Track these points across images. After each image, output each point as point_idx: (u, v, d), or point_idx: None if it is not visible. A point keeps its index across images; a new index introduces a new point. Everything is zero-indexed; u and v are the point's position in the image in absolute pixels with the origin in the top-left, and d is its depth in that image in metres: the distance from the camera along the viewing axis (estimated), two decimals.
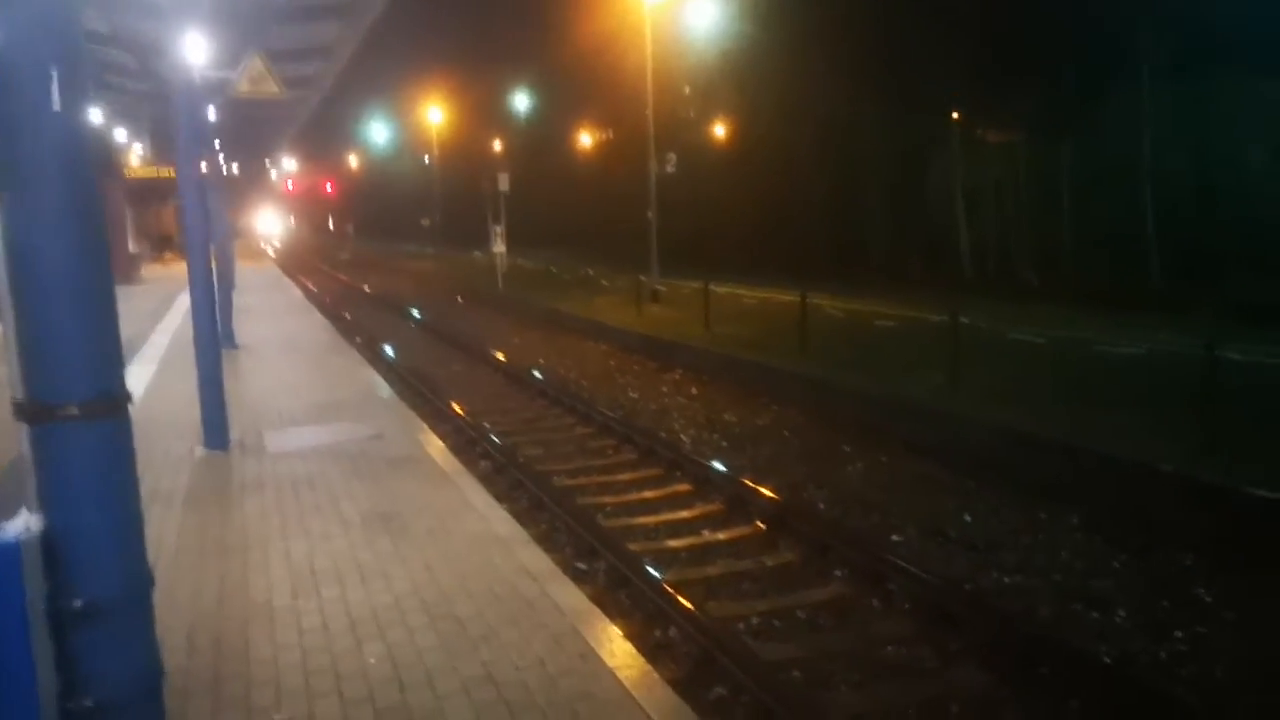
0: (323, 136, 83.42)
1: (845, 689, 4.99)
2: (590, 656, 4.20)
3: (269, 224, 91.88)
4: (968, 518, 7.61)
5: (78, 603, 2.33)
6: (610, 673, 4.05)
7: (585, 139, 53.89)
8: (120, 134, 35.98)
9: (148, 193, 36.77)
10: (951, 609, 5.60)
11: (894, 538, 7.25)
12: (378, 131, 75.63)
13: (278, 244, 73.72)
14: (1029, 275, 25.44)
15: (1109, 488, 7.66)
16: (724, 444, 10.22)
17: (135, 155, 37.14)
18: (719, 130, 39.03)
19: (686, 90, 37.95)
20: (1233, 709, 4.69)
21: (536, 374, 14.26)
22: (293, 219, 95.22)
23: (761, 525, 7.40)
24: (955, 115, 27.51)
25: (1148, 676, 4.95)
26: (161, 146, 36.15)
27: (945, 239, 28.10)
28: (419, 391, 13.13)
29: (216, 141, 17.31)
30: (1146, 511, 7.18)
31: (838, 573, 6.49)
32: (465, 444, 10.17)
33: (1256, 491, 6.71)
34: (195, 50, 8.75)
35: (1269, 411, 8.88)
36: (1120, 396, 9.80)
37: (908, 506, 7.86)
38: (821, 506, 8.03)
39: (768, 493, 7.79)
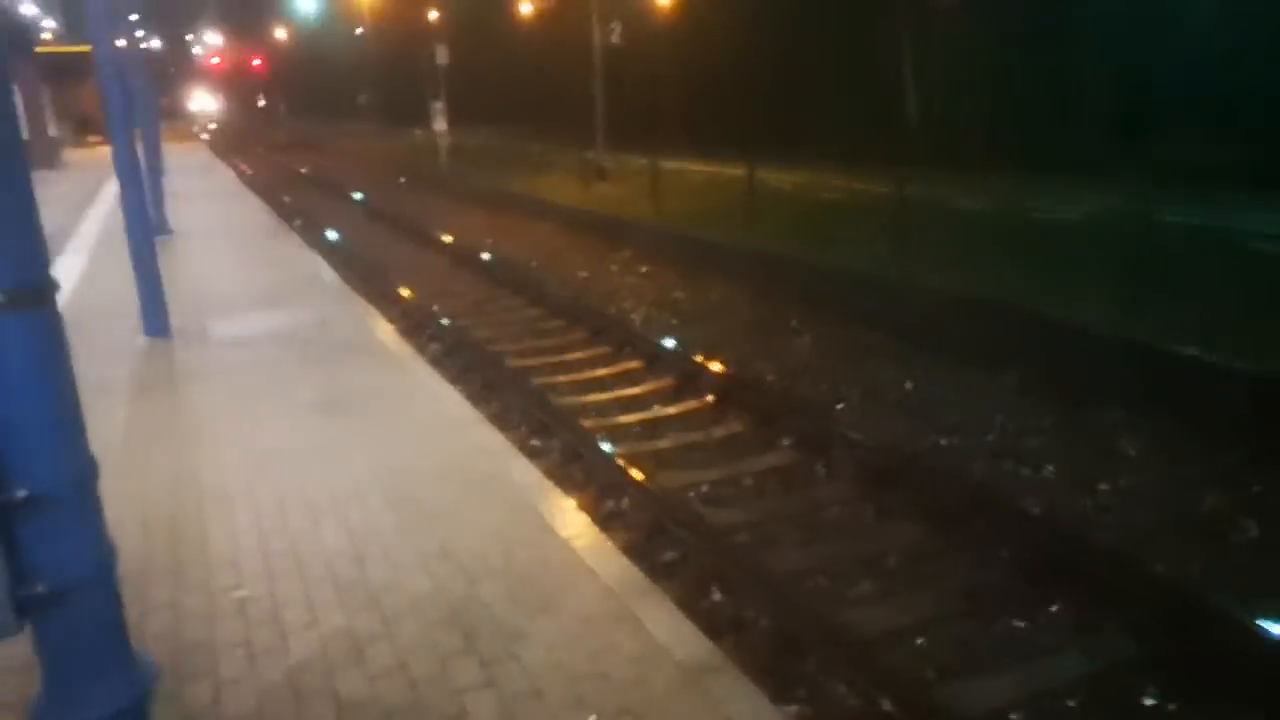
0: (250, 9, 78.87)
1: (789, 547, 5.23)
2: (545, 529, 4.33)
3: (204, 103, 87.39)
4: (909, 384, 7.84)
5: (21, 494, 2.33)
6: (565, 543, 4.20)
7: (527, 7, 51.64)
8: (29, 8, 33.63)
9: (65, 72, 34.71)
10: (890, 470, 5.85)
11: (838, 405, 7.47)
12: (307, 1, 71.62)
13: (213, 126, 70.13)
14: (976, 142, 25.38)
15: (1041, 348, 7.91)
16: (674, 321, 10.30)
17: (48, 31, 34.85)
18: None
19: None
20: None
21: (484, 255, 14.09)
22: (221, 98, 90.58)
23: (710, 399, 7.56)
24: None
25: (1072, 523, 5.27)
26: (76, 22, 33.92)
27: (895, 109, 27.79)
28: (364, 276, 12.92)
29: (134, 16, 16.24)
30: (1077, 370, 7.47)
31: (784, 441, 6.70)
32: (414, 328, 10.11)
33: (1184, 350, 6.98)
34: None
35: (1197, 272, 9.17)
36: (1055, 260, 10.00)
37: (851, 375, 8.07)
38: (769, 378, 8.20)
39: (716, 367, 7.92)
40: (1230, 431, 6.24)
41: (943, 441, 6.67)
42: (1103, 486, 5.83)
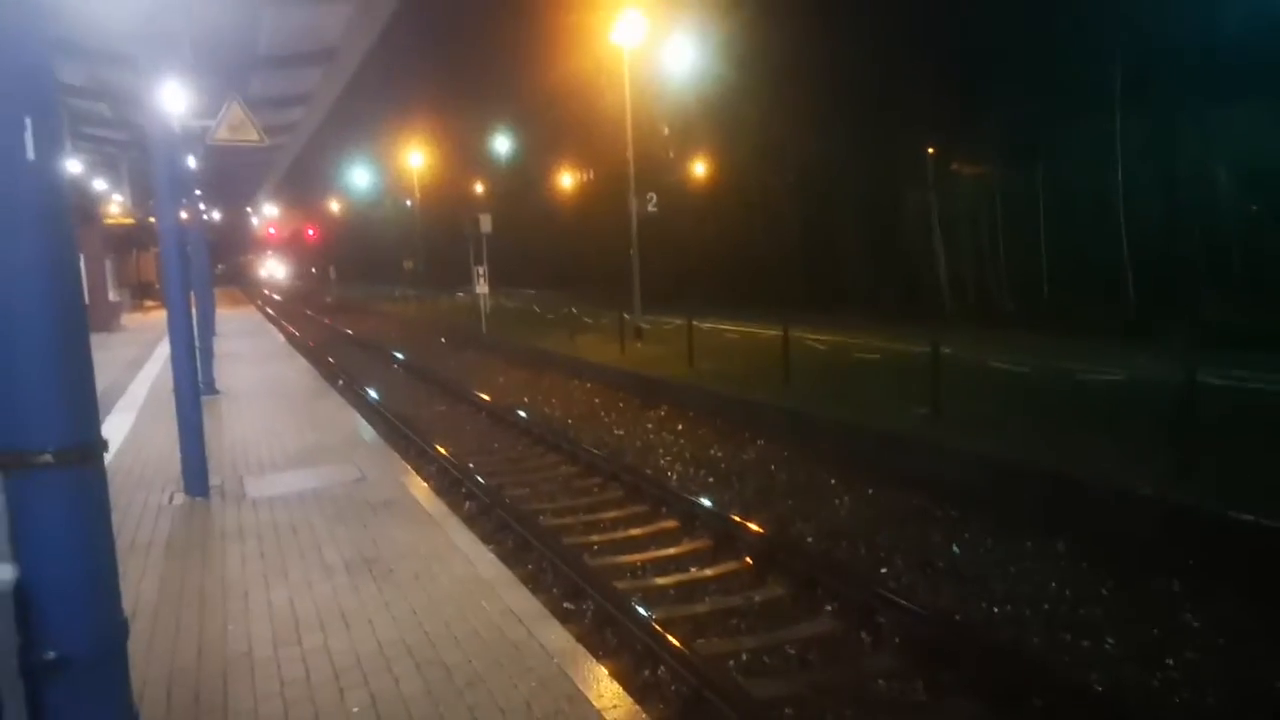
0: (304, 182, 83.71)
1: None
2: (577, 698, 4.15)
3: (275, 270, 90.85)
4: (956, 549, 7.60)
5: (51, 655, 2.28)
6: (598, 714, 4.00)
7: (566, 180, 54.32)
8: (100, 183, 35.94)
9: (128, 240, 36.69)
10: (941, 641, 5.57)
11: (882, 570, 7.23)
12: (359, 176, 75.99)
13: (277, 293, 72.45)
14: (1007, 305, 25.69)
15: (1092, 514, 7.67)
16: (710, 480, 10.19)
17: (115, 203, 37.07)
18: (698, 169, 39.44)
19: (665, 131, 38.39)
20: None
21: (521, 413, 14.21)
22: (283, 264, 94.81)
23: (749, 561, 7.36)
24: (930, 149, 27.94)
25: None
26: (141, 195, 36.13)
27: (923, 272, 28.38)
28: (403, 434, 13.04)
29: (197, 190, 17.31)
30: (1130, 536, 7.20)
31: (827, 607, 6.45)
32: (450, 485, 10.09)
33: (1239, 515, 6.73)
34: (174, 100, 8.78)
35: (1245, 434, 8.99)
36: (1102, 423, 9.86)
37: (894, 539, 7.85)
38: (809, 540, 8.00)
39: (755, 528, 7.76)
40: None
41: (994, 610, 6.38)
42: (1168, 661, 5.50)
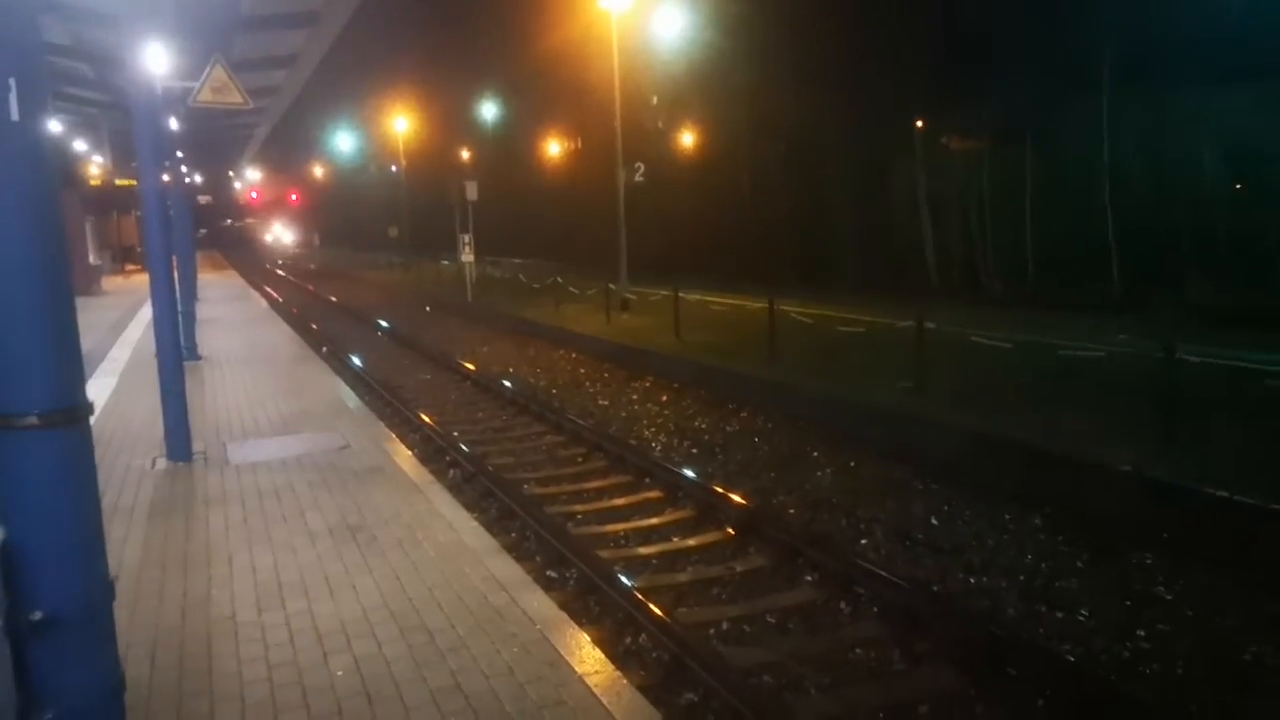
0: (288, 147, 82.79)
1: (815, 692, 5.02)
2: (559, 664, 4.20)
3: (282, 235, 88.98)
4: (934, 521, 7.69)
5: (37, 614, 2.30)
6: (579, 679, 4.05)
7: (553, 148, 53.91)
8: (80, 145, 35.42)
9: (108, 203, 36.23)
10: (919, 611, 5.66)
11: (862, 541, 7.31)
12: (344, 141, 75.16)
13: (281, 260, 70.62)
14: (994, 281, 25.80)
15: (1070, 488, 7.78)
16: (694, 450, 10.25)
17: (95, 165, 36.55)
18: (687, 140, 39.22)
19: (654, 100, 38.11)
20: None
21: (506, 383, 14.22)
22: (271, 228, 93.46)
23: (732, 531, 7.43)
24: (919, 123, 27.87)
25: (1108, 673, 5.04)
26: (122, 157, 35.63)
27: (910, 247, 28.41)
28: (387, 401, 13.04)
29: (179, 153, 17.09)
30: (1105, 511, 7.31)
31: (807, 577, 6.54)
32: (434, 453, 10.11)
33: (1215, 491, 6.85)
34: (156, 61, 8.65)
35: (1224, 411, 9.12)
36: (1083, 398, 9.96)
37: (875, 510, 7.94)
38: (791, 511, 8.08)
39: (737, 498, 7.83)
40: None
41: (971, 580, 6.48)
42: (1139, 632, 5.61)
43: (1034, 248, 24.80)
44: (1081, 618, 5.84)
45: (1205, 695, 4.87)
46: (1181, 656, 5.28)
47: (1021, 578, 6.48)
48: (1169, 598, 6.08)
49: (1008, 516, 7.64)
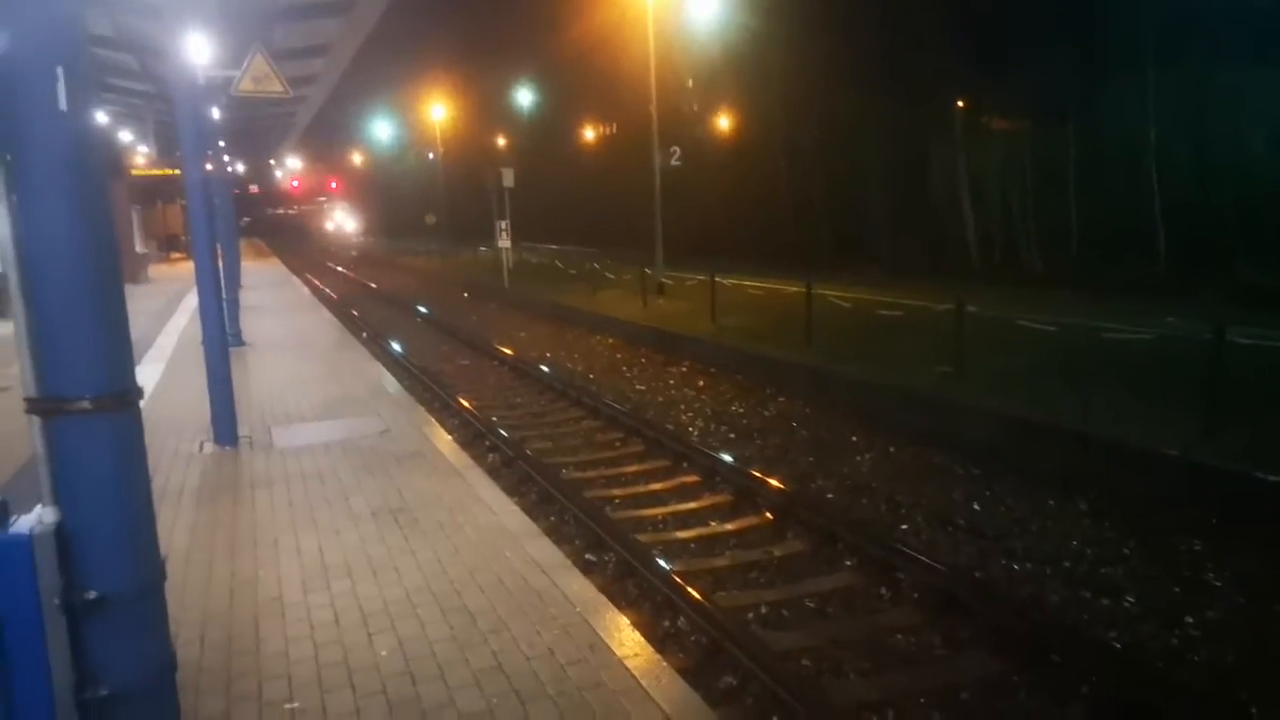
0: (328, 135, 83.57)
1: (854, 677, 5.01)
2: (599, 646, 4.23)
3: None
4: (976, 506, 7.61)
5: (91, 595, 2.36)
6: (619, 662, 4.08)
7: (589, 133, 53.89)
8: (126, 135, 36.06)
9: (154, 192, 36.87)
10: (960, 597, 5.61)
11: (902, 526, 7.26)
12: (382, 129, 75.76)
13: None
14: (1035, 262, 25.35)
15: (1116, 473, 7.65)
16: (731, 435, 10.23)
17: (141, 155, 37.19)
18: (723, 123, 38.96)
19: (690, 84, 37.89)
20: None
21: (544, 368, 14.28)
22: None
23: (770, 516, 7.42)
24: (960, 103, 27.42)
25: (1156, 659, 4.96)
26: (167, 147, 36.21)
27: (951, 227, 28.01)
28: (426, 386, 13.17)
29: (221, 142, 17.34)
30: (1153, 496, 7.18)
31: (847, 562, 6.51)
32: (473, 438, 10.20)
33: (1265, 476, 6.69)
34: (198, 51, 8.76)
35: (1275, 395, 8.89)
36: (1128, 381, 9.77)
37: (915, 495, 7.87)
38: (829, 496, 8.04)
39: (775, 483, 7.80)
40: None
41: (1015, 567, 6.41)
42: (1188, 619, 5.51)
43: (1078, 227, 24.32)
44: (1128, 604, 5.75)
45: (1257, 683, 4.78)
46: (1232, 644, 5.19)
47: (1066, 564, 6.39)
48: (1218, 584, 5.97)
49: (1051, 502, 7.54)
